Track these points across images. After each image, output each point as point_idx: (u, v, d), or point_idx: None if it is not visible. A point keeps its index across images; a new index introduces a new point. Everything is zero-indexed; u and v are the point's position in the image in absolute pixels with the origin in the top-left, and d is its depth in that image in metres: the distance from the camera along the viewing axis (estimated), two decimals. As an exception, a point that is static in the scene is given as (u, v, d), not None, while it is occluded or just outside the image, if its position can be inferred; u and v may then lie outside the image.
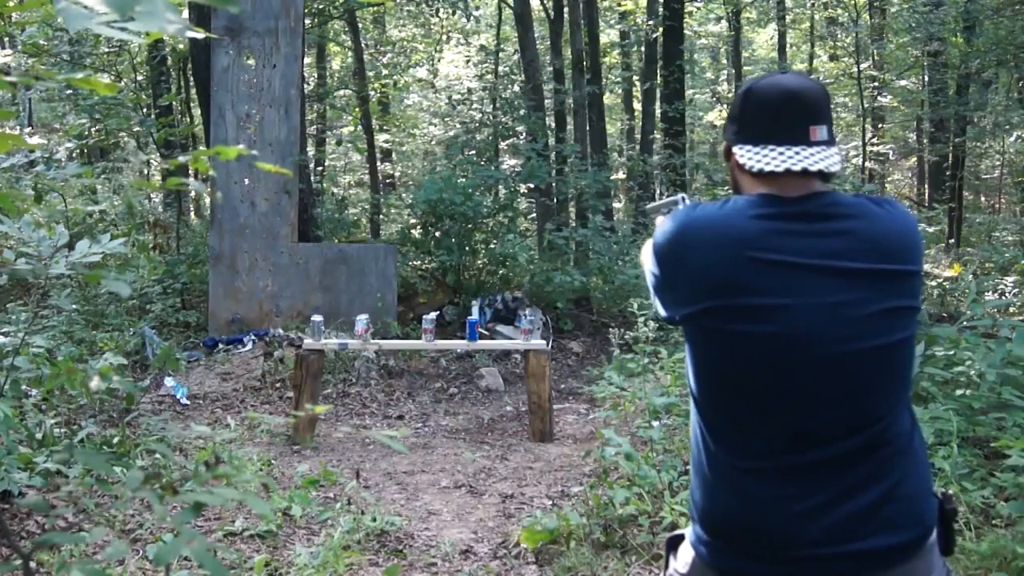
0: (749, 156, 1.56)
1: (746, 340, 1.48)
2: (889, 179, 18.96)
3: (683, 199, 1.94)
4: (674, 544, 1.67)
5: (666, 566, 1.66)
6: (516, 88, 12.26)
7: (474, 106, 12.70)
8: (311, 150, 11.50)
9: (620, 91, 16.23)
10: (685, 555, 1.62)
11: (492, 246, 9.34)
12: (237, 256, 8.08)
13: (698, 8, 16.77)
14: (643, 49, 13.37)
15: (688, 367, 1.61)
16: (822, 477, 1.48)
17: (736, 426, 1.53)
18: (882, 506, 1.48)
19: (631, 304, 6.69)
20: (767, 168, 1.53)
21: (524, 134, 11.11)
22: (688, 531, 1.62)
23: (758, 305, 1.47)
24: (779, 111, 1.55)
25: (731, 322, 1.49)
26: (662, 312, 1.62)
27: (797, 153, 1.52)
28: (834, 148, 1.56)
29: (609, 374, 5.63)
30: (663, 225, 1.59)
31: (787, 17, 17.37)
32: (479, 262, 9.40)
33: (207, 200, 11.51)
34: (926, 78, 15.07)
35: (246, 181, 8.08)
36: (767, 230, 1.50)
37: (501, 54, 14.33)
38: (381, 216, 11.82)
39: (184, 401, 6.38)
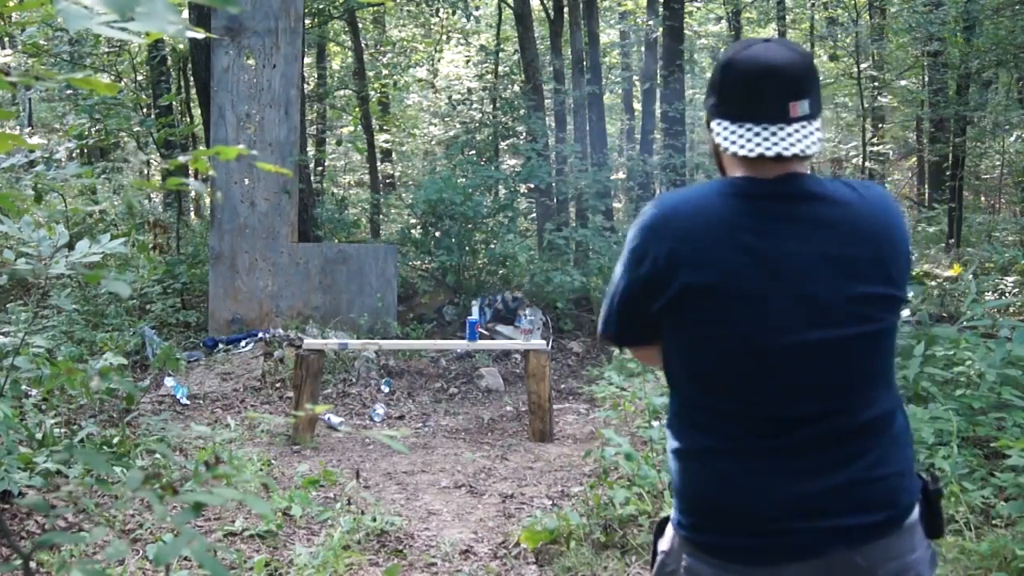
0: (725, 136, 1.53)
1: (722, 328, 1.49)
2: (889, 179, 18.94)
3: None
4: (660, 528, 1.69)
5: (654, 552, 1.68)
6: (516, 88, 12.24)
7: (474, 106, 12.69)
8: (311, 150, 11.49)
9: (620, 91, 16.20)
10: (668, 534, 1.64)
11: (492, 246, 9.33)
12: (237, 256, 8.08)
13: (698, 8, 16.75)
14: (643, 49, 13.36)
15: (667, 354, 1.60)
16: (796, 456, 1.49)
17: (713, 410, 1.54)
18: (856, 487, 1.49)
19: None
20: (740, 152, 1.50)
21: (524, 134, 11.10)
22: (672, 512, 1.64)
23: (734, 293, 1.47)
24: (757, 87, 1.50)
25: (707, 311, 1.48)
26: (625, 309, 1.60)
27: (774, 134, 1.48)
28: (816, 123, 1.51)
29: (609, 374, 5.63)
30: (639, 217, 1.58)
31: (787, 17, 17.34)
32: (479, 262, 9.39)
33: (207, 200, 11.51)
34: (926, 78, 15.05)
35: (246, 181, 8.08)
36: (742, 214, 1.49)
37: (501, 54, 14.28)
38: (381, 216, 11.80)
39: (184, 401, 6.38)
